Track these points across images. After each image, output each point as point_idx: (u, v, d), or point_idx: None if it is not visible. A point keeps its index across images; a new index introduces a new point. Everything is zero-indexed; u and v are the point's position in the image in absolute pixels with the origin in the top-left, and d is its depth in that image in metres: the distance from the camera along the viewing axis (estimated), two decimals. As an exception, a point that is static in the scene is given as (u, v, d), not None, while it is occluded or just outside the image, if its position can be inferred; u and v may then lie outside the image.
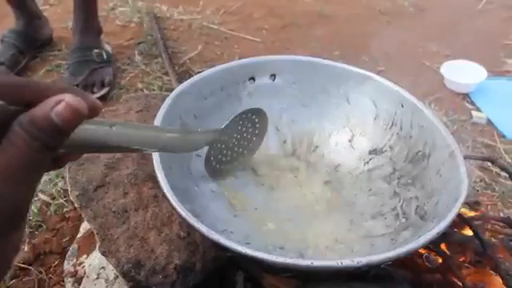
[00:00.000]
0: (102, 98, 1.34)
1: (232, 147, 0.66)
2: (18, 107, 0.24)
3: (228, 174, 0.68)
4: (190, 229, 0.62)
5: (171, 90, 0.71)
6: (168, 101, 0.65)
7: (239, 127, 0.67)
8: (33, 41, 1.46)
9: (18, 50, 1.40)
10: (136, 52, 1.54)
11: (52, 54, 1.52)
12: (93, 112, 0.28)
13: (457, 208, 0.52)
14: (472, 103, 1.41)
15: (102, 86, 1.35)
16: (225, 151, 0.65)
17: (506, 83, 1.51)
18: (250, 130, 0.68)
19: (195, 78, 0.71)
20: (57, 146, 0.25)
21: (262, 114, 0.69)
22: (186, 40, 1.63)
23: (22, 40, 1.42)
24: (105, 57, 1.39)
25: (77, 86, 1.31)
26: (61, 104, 0.24)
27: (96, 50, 1.38)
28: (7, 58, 1.38)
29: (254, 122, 0.68)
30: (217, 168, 0.66)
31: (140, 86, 1.40)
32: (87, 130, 0.29)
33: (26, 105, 0.24)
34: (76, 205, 0.65)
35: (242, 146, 0.68)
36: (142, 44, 1.57)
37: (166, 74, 1.44)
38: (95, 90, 1.34)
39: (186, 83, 0.69)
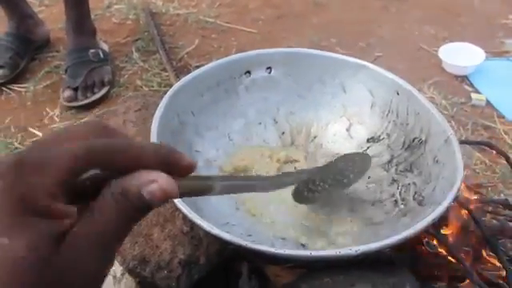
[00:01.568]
0: (103, 97, 1.35)
1: (325, 179, 0.64)
2: (109, 173, 0.25)
3: (314, 201, 0.66)
4: (193, 224, 0.63)
5: (170, 86, 0.72)
6: (165, 99, 0.66)
7: (339, 166, 0.65)
8: (29, 42, 1.47)
9: (15, 53, 1.40)
10: (133, 49, 1.54)
11: (50, 55, 1.53)
12: (188, 170, 0.28)
13: (453, 194, 0.53)
14: (471, 85, 1.41)
15: (102, 85, 1.36)
16: (317, 182, 0.63)
17: (505, 64, 1.50)
18: (350, 168, 0.66)
19: (191, 75, 0.72)
20: (144, 216, 0.26)
21: (367, 158, 0.68)
22: (182, 35, 1.63)
23: (18, 42, 1.42)
24: (101, 56, 1.40)
25: (77, 88, 1.32)
26: (154, 184, 0.25)
27: (92, 50, 1.38)
28: (6, 61, 1.39)
29: (355, 161, 0.67)
30: (304, 194, 0.63)
31: (139, 83, 1.41)
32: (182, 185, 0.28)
33: (119, 170, 0.25)
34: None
35: (337, 180, 0.65)
36: (139, 41, 1.58)
37: (165, 69, 1.44)
38: (96, 90, 1.34)
39: (182, 81, 0.70)
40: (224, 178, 0.35)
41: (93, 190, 0.25)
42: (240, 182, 0.37)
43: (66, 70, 1.37)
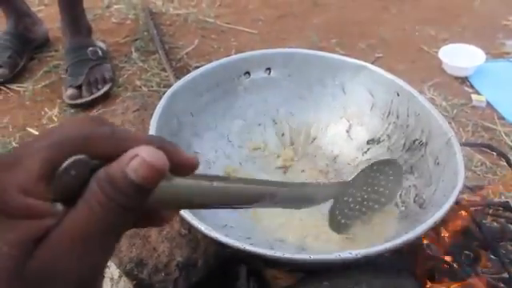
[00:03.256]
0: (106, 94, 1.35)
1: (361, 201, 0.59)
2: (99, 161, 0.22)
3: (351, 227, 0.61)
4: (191, 226, 0.63)
5: (169, 86, 0.71)
6: (163, 100, 0.65)
7: (370, 179, 0.60)
8: (27, 41, 1.46)
9: (14, 52, 1.40)
10: (133, 49, 1.53)
11: (49, 54, 1.52)
12: (189, 168, 0.25)
13: (453, 197, 0.52)
14: (471, 87, 1.41)
15: (105, 82, 1.36)
16: (352, 205, 0.58)
17: (506, 65, 1.50)
18: (383, 182, 0.61)
19: (190, 75, 0.71)
20: (136, 206, 0.22)
21: (396, 165, 0.62)
22: (182, 35, 1.62)
23: (16, 41, 1.42)
24: (100, 53, 1.39)
25: (80, 86, 1.32)
26: (135, 159, 0.21)
27: (90, 49, 1.38)
28: (4, 60, 1.38)
29: (387, 173, 0.61)
30: (341, 223, 0.59)
31: (138, 83, 1.40)
32: (179, 186, 0.25)
33: (105, 158, 0.22)
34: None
35: (372, 199, 0.60)
36: (139, 41, 1.57)
37: (164, 70, 1.43)
38: (99, 86, 1.34)
39: (181, 81, 0.70)
40: (229, 181, 0.31)
41: (85, 184, 0.22)
42: (248, 188, 0.31)
43: (66, 70, 1.37)
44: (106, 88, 1.34)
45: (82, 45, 1.38)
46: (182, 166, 0.24)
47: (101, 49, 1.41)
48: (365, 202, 0.59)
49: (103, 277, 0.23)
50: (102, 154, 0.22)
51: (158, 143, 0.23)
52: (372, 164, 0.60)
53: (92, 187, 0.21)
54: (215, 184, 0.27)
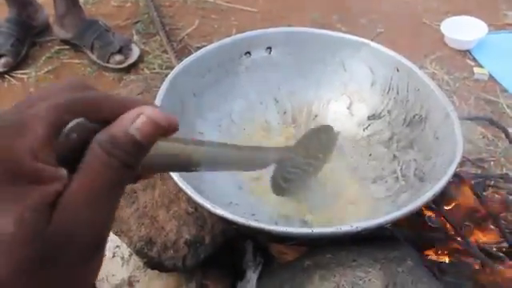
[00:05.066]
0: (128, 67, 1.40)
1: (299, 166, 0.61)
2: (97, 124, 0.23)
3: (293, 192, 0.64)
4: (197, 204, 0.65)
5: (171, 68, 0.72)
6: (166, 82, 0.66)
7: (308, 146, 0.62)
8: (29, 28, 1.47)
9: (16, 39, 1.40)
10: (134, 32, 1.54)
11: (50, 40, 1.52)
12: (171, 128, 0.25)
13: (452, 169, 0.53)
14: (473, 59, 1.40)
15: (130, 42, 1.44)
16: (292, 169, 0.60)
17: (508, 37, 1.49)
18: (318, 147, 0.64)
19: (192, 57, 0.72)
20: (137, 163, 0.23)
21: (331, 131, 0.65)
22: (182, 16, 1.62)
23: (18, 28, 1.42)
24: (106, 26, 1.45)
25: (120, 50, 1.38)
26: (140, 117, 0.22)
27: (100, 22, 1.43)
28: (7, 49, 1.39)
29: (321, 138, 0.64)
30: (283, 186, 0.61)
31: (140, 65, 1.41)
32: (161, 147, 0.26)
33: (104, 121, 0.23)
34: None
35: (309, 164, 0.63)
36: (139, 23, 1.57)
37: (165, 51, 1.44)
38: (130, 46, 1.42)
39: (182, 63, 0.71)
40: (213, 145, 0.32)
41: (83, 148, 0.22)
42: (216, 150, 0.33)
43: (91, 47, 1.40)
44: (136, 48, 1.43)
45: (92, 21, 1.43)
46: (169, 127, 0.25)
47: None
48: (302, 167, 0.62)
49: (108, 233, 0.24)
50: (102, 117, 0.23)
51: (149, 104, 0.24)
52: (310, 130, 0.62)
53: (94, 148, 0.22)
54: (189, 146, 0.29)
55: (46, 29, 1.54)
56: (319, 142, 0.63)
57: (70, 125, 0.22)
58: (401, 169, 0.67)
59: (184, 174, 0.56)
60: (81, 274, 0.22)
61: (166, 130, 0.23)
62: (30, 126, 0.21)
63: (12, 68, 1.40)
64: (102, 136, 0.22)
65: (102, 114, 0.23)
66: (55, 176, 0.21)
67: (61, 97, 0.22)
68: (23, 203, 0.20)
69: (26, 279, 0.20)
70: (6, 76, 1.40)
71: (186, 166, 0.30)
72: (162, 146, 0.26)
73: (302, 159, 0.61)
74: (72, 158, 0.22)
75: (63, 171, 0.22)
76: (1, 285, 0.20)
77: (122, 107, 0.23)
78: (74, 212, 0.21)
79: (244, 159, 0.39)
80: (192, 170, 0.31)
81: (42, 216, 0.20)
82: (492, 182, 0.80)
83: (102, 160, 0.22)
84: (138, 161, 0.23)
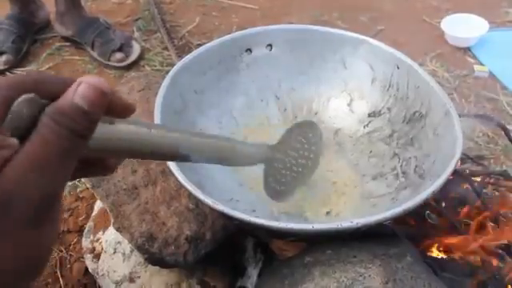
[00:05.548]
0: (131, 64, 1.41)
1: (290, 166, 0.58)
2: (47, 100, 0.24)
3: (289, 194, 0.60)
4: (198, 201, 0.65)
5: (172, 65, 0.72)
6: (167, 79, 0.66)
7: (292, 143, 0.58)
8: (30, 25, 1.47)
9: (17, 37, 1.41)
10: (134, 29, 1.54)
11: (51, 37, 1.52)
12: (127, 111, 0.28)
13: (452, 166, 0.54)
14: (474, 57, 1.41)
15: (131, 39, 1.44)
16: (283, 171, 0.57)
17: (509, 34, 1.49)
18: (306, 145, 0.60)
19: (192, 54, 0.72)
20: (87, 132, 0.24)
21: (314, 127, 0.61)
22: (183, 13, 1.62)
23: (19, 25, 1.42)
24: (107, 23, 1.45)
25: (121, 47, 1.39)
26: (81, 85, 0.24)
27: (101, 20, 1.43)
28: (8, 46, 1.39)
29: (307, 136, 0.60)
30: (277, 189, 0.58)
31: (141, 63, 1.41)
32: (120, 130, 0.27)
33: (55, 98, 0.24)
34: (88, 185, 0.68)
35: (300, 164, 0.59)
36: (140, 20, 1.57)
37: (166, 48, 1.44)
38: (131, 44, 1.42)
39: (183, 60, 0.71)
40: (165, 128, 0.31)
41: (34, 123, 0.24)
42: (183, 136, 0.32)
43: (92, 44, 1.40)
44: (137, 45, 1.43)
45: (92, 18, 1.44)
46: (122, 106, 0.27)
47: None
48: (294, 168, 0.58)
49: (61, 204, 0.26)
50: (51, 93, 0.24)
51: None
52: (292, 126, 0.58)
53: (43, 119, 0.23)
54: (153, 131, 0.29)
55: (46, 26, 1.54)
56: (306, 139, 0.60)
57: (20, 99, 0.24)
58: (401, 166, 0.67)
59: (185, 170, 0.56)
60: (30, 236, 0.24)
61: (107, 94, 0.24)
62: None
63: (13, 65, 1.40)
64: (50, 108, 0.24)
65: (52, 90, 0.24)
66: (3, 144, 0.22)
67: (10, 78, 0.24)
68: None
69: None
70: (8, 73, 1.40)
71: (162, 154, 0.30)
72: (120, 130, 0.27)
73: (291, 159, 0.57)
74: (26, 132, 0.23)
75: (13, 140, 0.23)
76: None
77: (68, 83, 0.24)
78: (17, 174, 0.22)
79: (224, 152, 0.38)
80: (172, 159, 0.31)
81: None
82: (492, 180, 0.80)
83: (51, 129, 0.23)
84: (89, 129, 0.24)
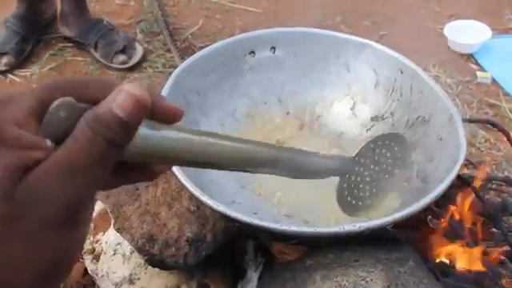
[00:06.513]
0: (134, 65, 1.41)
1: (370, 181, 0.52)
2: (87, 105, 0.24)
3: (365, 211, 0.53)
4: (199, 202, 0.65)
5: (175, 67, 0.72)
6: (170, 80, 0.66)
7: (376, 157, 0.52)
8: (36, 24, 1.46)
9: (21, 38, 1.40)
10: (137, 31, 1.54)
11: (54, 36, 1.52)
12: (173, 114, 0.26)
13: (455, 171, 0.53)
14: (476, 63, 1.40)
15: (134, 41, 1.44)
16: (361, 185, 0.51)
17: (511, 41, 1.49)
18: (390, 160, 0.53)
19: (196, 55, 0.72)
20: (123, 141, 0.24)
21: (401, 140, 0.53)
22: (186, 15, 1.62)
23: (25, 25, 1.41)
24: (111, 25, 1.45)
25: (123, 49, 1.39)
26: (120, 94, 0.23)
27: (104, 22, 1.42)
28: (11, 47, 1.38)
29: (392, 149, 0.53)
30: (353, 204, 0.52)
31: (143, 64, 1.41)
32: (166, 136, 0.26)
33: (93, 103, 0.24)
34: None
35: (382, 179, 0.53)
36: (143, 22, 1.57)
37: (169, 50, 1.44)
38: (134, 45, 1.42)
39: (187, 61, 0.71)
40: (219, 137, 0.29)
41: (71, 127, 0.23)
42: (242, 147, 0.29)
43: (95, 45, 1.40)
44: (140, 47, 1.43)
45: (96, 20, 1.43)
46: (167, 112, 0.26)
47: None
48: (374, 183, 0.52)
49: (93, 209, 0.25)
50: (90, 98, 0.24)
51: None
52: (376, 138, 0.51)
53: (80, 125, 0.23)
54: (210, 140, 0.27)
55: (52, 22, 1.53)
56: (390, 151, 0.53)
57: (56, 102, 0.23)
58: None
59: (187, 171, 0.56)
60: (54, 237, 0.23)
61: (146, 105, 0.24)
62: (16, 100, 0.23)
63: (16, 66, 1.40)
64: (88, 114, 0.23)
65: (91, 94, 0.24)
66: (36, 144, 0.22)
67: (51, 81, 0.24)
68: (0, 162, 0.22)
69: None
70: (9, 75, 1.40)
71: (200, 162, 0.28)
72: (164, 137, 0.26)
73: (371, 173, 0.51)
74: (62, 135, 0.23)
75: (47, 142, 0.23)
76: None
77: (110, 86, 0.24)
78: (46, 176, 0.22)
79: (289, 163, 0.34)
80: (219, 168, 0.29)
81: (11, 176, 0.22)
82: (494, 185, 0.80)
83: (86, 136, 0.23)
84: (125, 139, 0.24)
